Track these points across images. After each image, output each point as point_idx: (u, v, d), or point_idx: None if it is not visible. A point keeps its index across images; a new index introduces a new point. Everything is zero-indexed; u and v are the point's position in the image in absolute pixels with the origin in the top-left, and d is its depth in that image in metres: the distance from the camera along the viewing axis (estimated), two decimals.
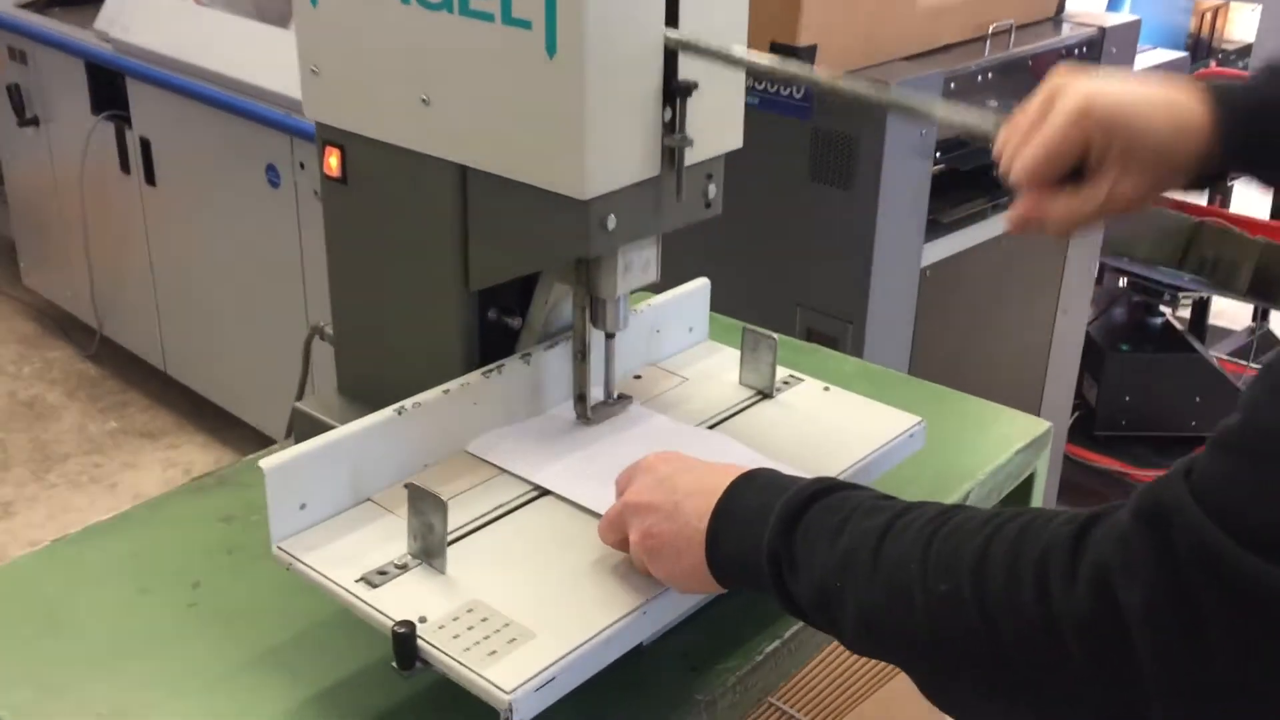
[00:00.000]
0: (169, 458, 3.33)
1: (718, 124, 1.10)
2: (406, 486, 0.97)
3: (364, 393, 1.25)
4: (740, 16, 1.08)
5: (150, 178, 3.14)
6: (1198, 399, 3.15)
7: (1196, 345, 3.28)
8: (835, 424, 1.18)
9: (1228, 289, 3.24)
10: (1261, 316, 3.75)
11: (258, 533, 1.03)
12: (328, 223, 1.24)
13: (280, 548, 0.98)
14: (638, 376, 1.27)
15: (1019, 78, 2.26)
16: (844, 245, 2.09)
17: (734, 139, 1.13)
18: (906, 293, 2.18)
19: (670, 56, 1.02)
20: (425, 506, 0.95)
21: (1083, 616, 0.65)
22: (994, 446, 1.37)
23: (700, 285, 1.33)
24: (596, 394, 1.18)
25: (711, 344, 1.34)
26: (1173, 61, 3.45)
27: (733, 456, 1.08)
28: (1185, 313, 3.61)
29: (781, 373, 1.26)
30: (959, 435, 1.38)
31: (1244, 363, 3.54)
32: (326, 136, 1.18)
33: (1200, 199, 3.55)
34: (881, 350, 2.16)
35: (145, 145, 3.11)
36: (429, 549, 0.96)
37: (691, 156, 1.06)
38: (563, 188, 1.00)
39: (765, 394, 1.24)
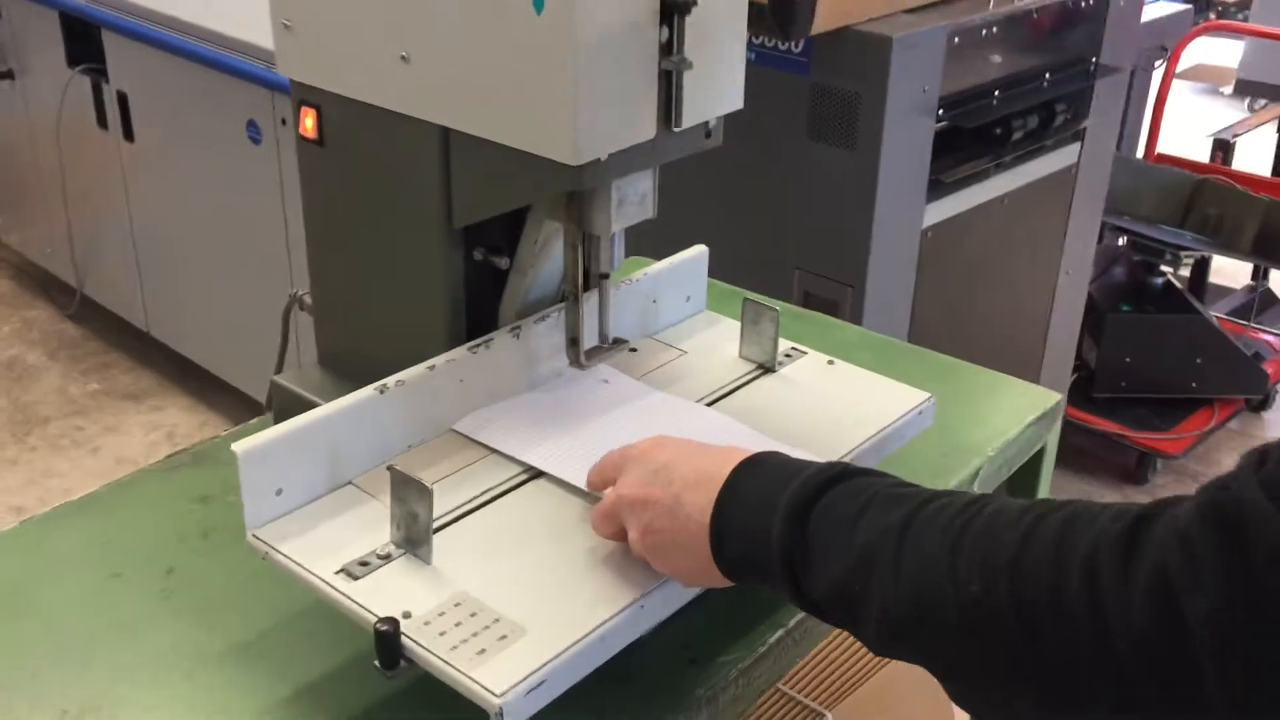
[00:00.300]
0: (152, 421, 3.27)
1: (717, 83, 1.03)
2: (390, 471, 0.91)
3: (346, 364, 1.20)
4: None
5: (128, 133, 3.05)
6: (1199, 360, 3.10)
7: (1198, 306, 3.23)
8: (841, 400, 1.13)
9: (1231, 249, 3.18)
10: (1261, 275, 3.70)
11: (235, 514, 0.97)
12: (305, 186, 1.17)
13: (255, 535, 0.93)
14: (634, 349, 1.21)
15: (1024, 31, 2.19)
16: (844, 207, 2.02)
17: (734, 98, 1.06)
18: (907, 256, 2.12)
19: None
20: (409, 494, 0.89)
21: (1138, 624, 0.60)
22: (1003, 420, 1.32)
23: (698, 253, 1.27)
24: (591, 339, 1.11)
25: (710, 314, 1.28)
26: (1176, 14, 3.38)
27: (734, 437, 1.03)
28: (1186, 272, 3.55)
29: (783, 345, 1.20)
30: (967, 408, 1.33)
31: (1244, 322, 3.49)
32: (301, 96, 1.11)
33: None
34: (881, 315, 2.10)
35: (123, 100, 3.02)
36: (413, 538, 0.90)
37: (689, 118, 1.00)
38: (552, 152, 0.94)
39: (767, 368, 1.18)
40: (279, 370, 1.26)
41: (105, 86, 3.05)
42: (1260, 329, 3.48)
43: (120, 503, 1.17)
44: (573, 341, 1.08)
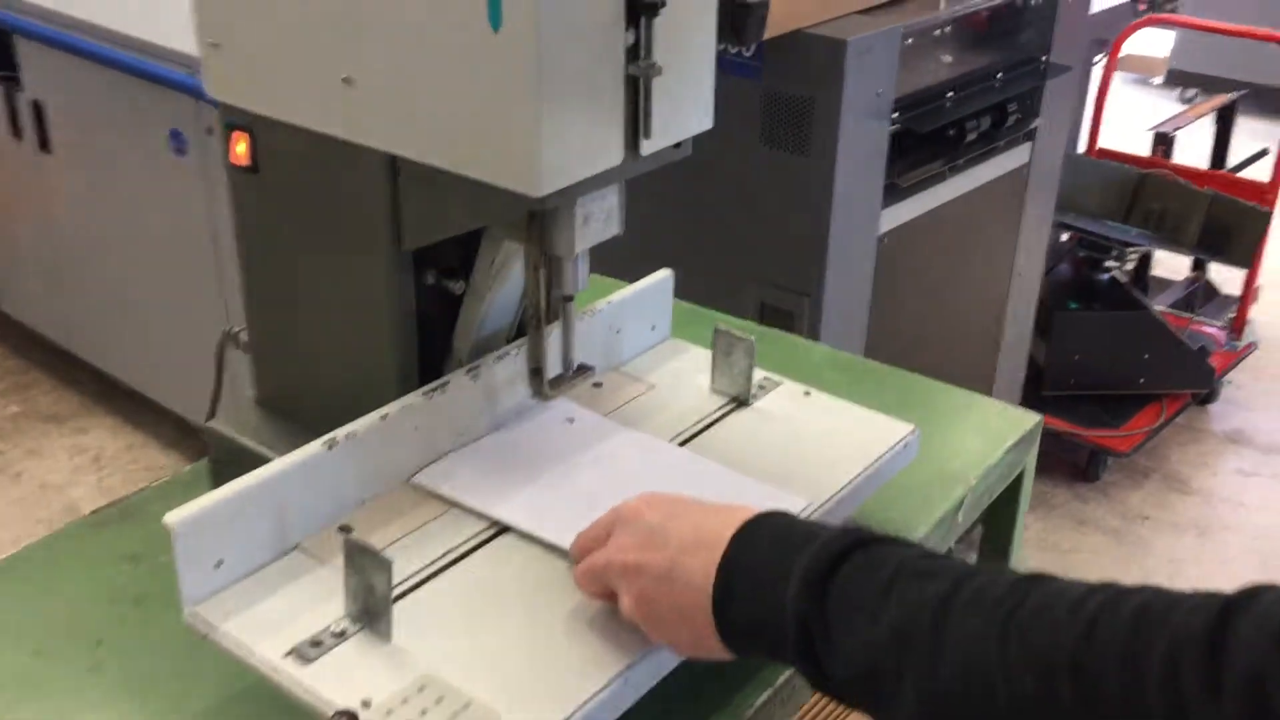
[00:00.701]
0: (77, 444, 3.13)
1: (685, 104, 0.96)
2: (343, 538, 0.83)
3: (288, 406, 1.11)
4: None
5: (44, 143, 2.91)
6: (1147, 356, 3.09)
7: (1145, 302, 3.22)
8: (822, 436, 1.06)
9: (1176, 243, 3.18)
10: (1201, 267, 3.71)
11: (170, 576, 0.87)
12: (237, 216, 1.08)
13: (194, 613, 0.84)
14: (598, 384, 1.13)
15: (976, 31, 2.14)
16: (799, 214, 1.96)
17: (703, 118, 0.99)
18: (864, 263, 2.06)
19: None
20: (365, 564, 0.81)
21: None
22: (983, 445, 1.26)
23: (663, 278, 1.19)
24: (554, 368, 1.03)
25: (676, 343, 1.21)
26: (1116, 8, 3.37)
27: (713, 481, 0.96)
28: (1131, 267, 3.55)
29: (756, 374, 1.13)
30: (944, 433, 1.27)
31: (1187, 315, 3.49)
32: (232, 120, 1.02)
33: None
34: (839, 325, 2.04)
35: (38, 109, 2.88)
36: (371, 611, 0.82)
37: (656, 143, 0.92)
38: (513, 182, 0.86)
39: (741, 401, 1.11)
40: (213, 413, 1.16)
41: (19, 95, 2.91)
42: (1203, 321, 3.49)
43: (42, 566, 1.07)
44: (535, 372, 1.00)
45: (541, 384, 1.00)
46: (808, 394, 1.13)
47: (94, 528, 1.11)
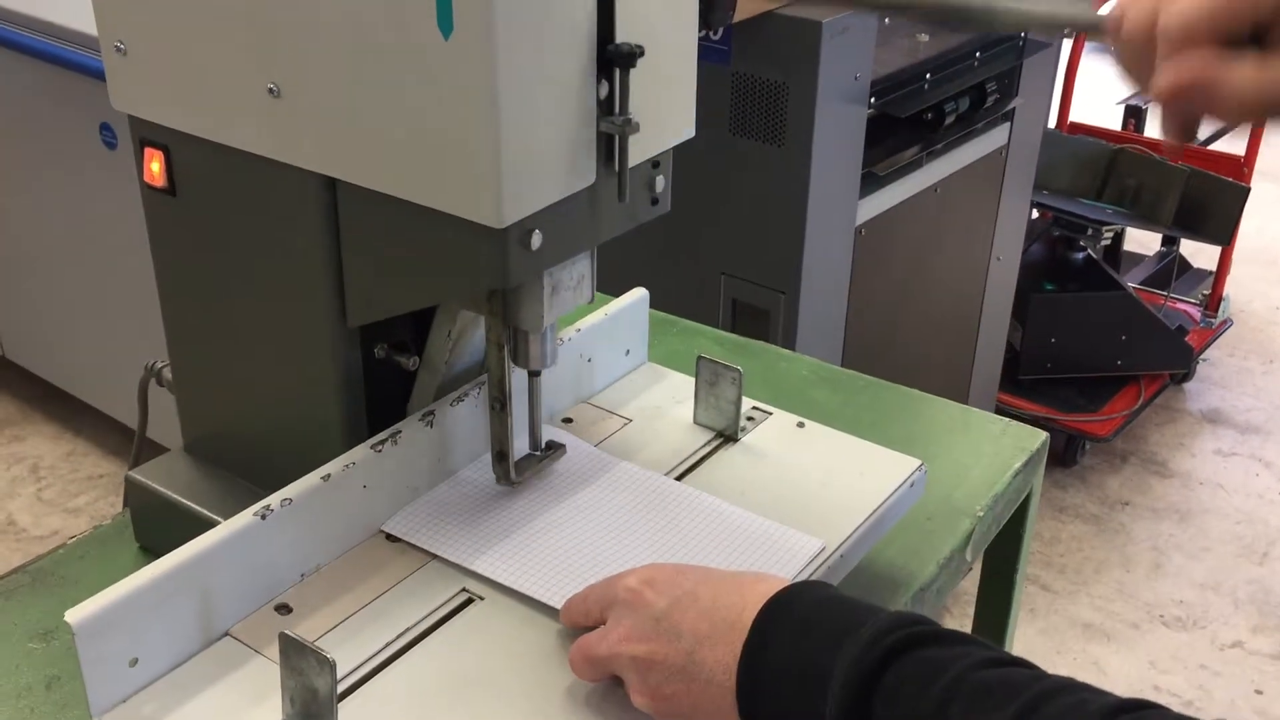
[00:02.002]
0: (14, 453, 2.97)
1: (664, 109, 0.84)
2: (279, 633, 0.71)
3: (217, 452, 0.98)
4: None
5: None
6: (1124, 337, 3.01)
7: (1121, 281, 3.14)
8: (820, 475, 0.95)
9: (1152, 221, 3.09)
10: (1171, 241, 3.64)
11: None
12: (154, 242, 0.95)
13: None
14: (567, 419, 1.01)
15: None
16: (773, 207, 1.85)
17: (685, 125, 0.88)
18: (841, 255, 1.95)
19: (604, 12, 0.75)
20: (303, 664, 0.69)
21: None
22: (987, 468, 1.16)
23: (637, 298, 1.07)
24: (521, 446, 0.93)
25: (652, 368, 1.09)
26: None
27: (731, 524, 0.87)
28: (1105, 244, 3.46)
29: (745, 403, 1.02)
30: (945, 456, 1.17)
31: (1162, 293, 3.42)
32: (144, 135, 0.89)
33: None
34: (816, 321, 1.93)
35: None
36: (313, 717, 0.71)
37: (635, 153, 0.81)
38: (470, 212, 0.74)
39: (728, 436, 1.00)
40: (136, 459, 1.04)
41: None
42: (1179, 299, 3.42)
43: None
44: (500, 456, 0.89)
45: (508, 468, 0.90)
46: (801, 425, 1.02)
47: (3, 598, 0.99)
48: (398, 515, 0.88)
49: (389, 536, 0.87)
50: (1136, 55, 0.58)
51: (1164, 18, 0.57)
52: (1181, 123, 0.57)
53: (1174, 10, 0.57)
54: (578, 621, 0.77)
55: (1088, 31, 0.64)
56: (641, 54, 0.75)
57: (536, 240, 0.77)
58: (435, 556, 0.85)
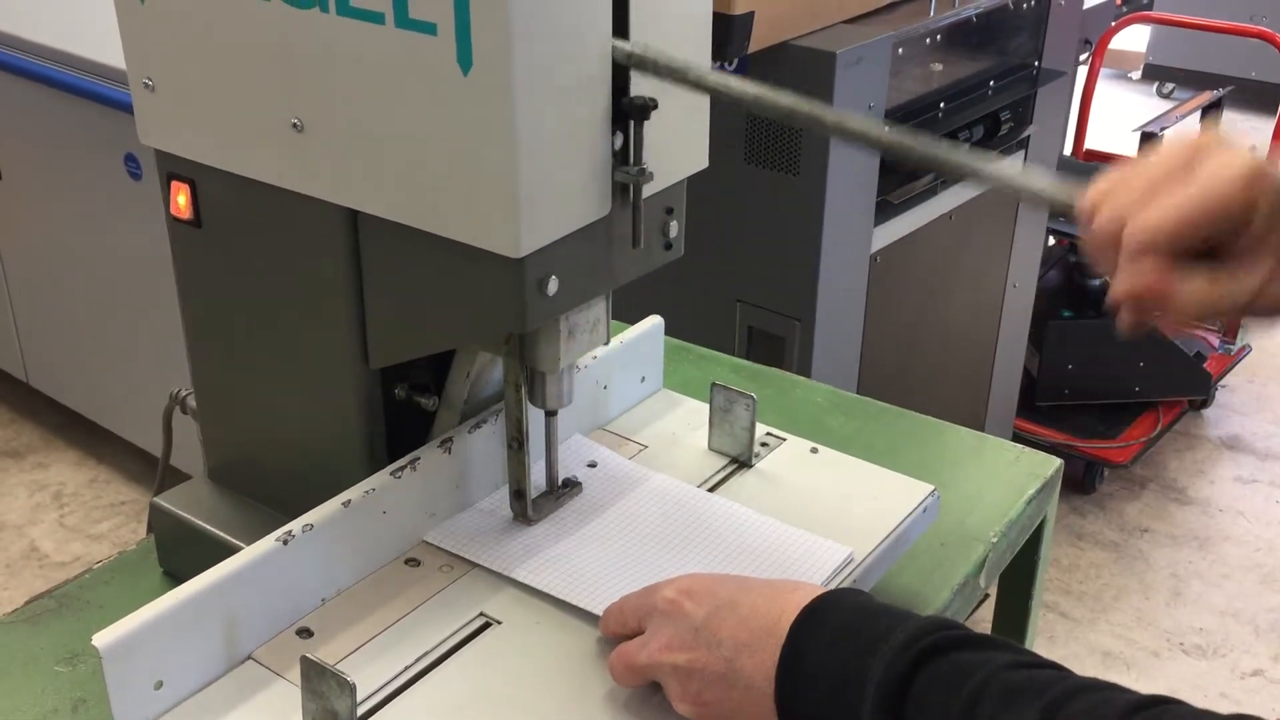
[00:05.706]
0: (37, 480, 3.00)
1: (677, 141, 0.86)
2: (300, 656, 0.72)
3: (240, 479, 1.00)
4: (703, 13, 0.84)
5: None
6: (1142, 364, 3.01)
7: None
8: (833, 500, 0.96)
9: None
10: None
11: None
12: (179, 273, 0.97)
13: None
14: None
15: (967, 38, 2.05)
16: (788, 235, 1.86)
17: (698, 157, 0.90)
18: (857, 283, 1.96)
19: (620, 68, 0.78)
20: (324, 687, 0.71)
21: None
22: (1001, 495, 1.17)
23: (653, 326, 1.09)
24: (539, 483, 0.94)
25: (667, 394, 1.11)
26: (1099, 6, 3.28)
27: (762, 533, 0.90)
28: None
29: (757, 429, 1.03)
30: (959, 483, 1.17)
31: None
32: (170, 168, 0.91)
33: None
34: (831, 348, 1.95)
35: None
36: None
37: (649, 185, 0.82)
38: (487, 242, 0.76)
39: (742, 462, 1.01)
40: (161, 486, 1.06)
41: None
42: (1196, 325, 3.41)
43: None
44: (518, 494, 0.91)
45: (525, 507, 0.92)
46: (815, 451, 1.03)
47: (30, 622, 1.00)
48: (437, 529, 0.90)
49: (409, 561, 0.88)
50: (1103, 248, 0.63)
51: (1130, 226, 0.61)
52: (1135, 321, 0.62)
53: (1140, 223, 0.61)
54: (615, 631, 0.79)
55: (1062, 212, 0.69)
56: (655, 106, 0.77)
57: (553, 286, 0.79)
58: (475, 565, 0.87)
